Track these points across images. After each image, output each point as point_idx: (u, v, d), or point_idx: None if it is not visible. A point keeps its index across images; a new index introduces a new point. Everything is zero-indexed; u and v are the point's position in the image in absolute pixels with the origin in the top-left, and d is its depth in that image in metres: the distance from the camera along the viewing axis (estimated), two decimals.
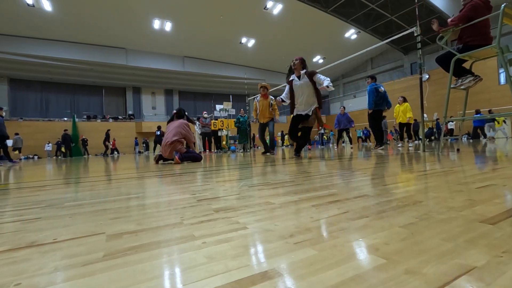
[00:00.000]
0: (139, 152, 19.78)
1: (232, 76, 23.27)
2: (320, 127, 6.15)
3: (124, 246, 0.53)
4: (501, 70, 14.53)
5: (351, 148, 7.57)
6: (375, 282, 0.35)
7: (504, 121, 12.51)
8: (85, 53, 18.07)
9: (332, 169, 1.94)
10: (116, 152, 17.65)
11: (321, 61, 22.66)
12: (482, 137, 10.65)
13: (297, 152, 3.90)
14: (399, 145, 6.87)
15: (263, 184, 1.32)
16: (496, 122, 12.42)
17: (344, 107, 8.06)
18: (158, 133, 13.44)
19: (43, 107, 19.68)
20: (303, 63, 3.80)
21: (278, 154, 5.27)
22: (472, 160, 2.09)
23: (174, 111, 4.41)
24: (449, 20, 3.20)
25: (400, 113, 6.43)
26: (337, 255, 0.44)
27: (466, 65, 3.36)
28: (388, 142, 11.24)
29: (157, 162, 3.93)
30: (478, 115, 9.72)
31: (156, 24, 16.57)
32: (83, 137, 17.46)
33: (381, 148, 5.37)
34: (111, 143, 17.21)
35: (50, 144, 17.14)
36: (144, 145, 19.99)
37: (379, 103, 5.55)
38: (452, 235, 0.51)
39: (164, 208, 0.86)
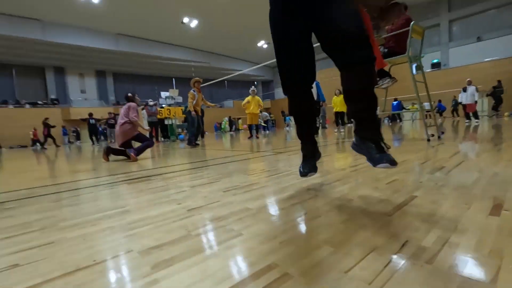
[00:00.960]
0: (70, 142, 17.61)
1: (174, 57, 21.99)
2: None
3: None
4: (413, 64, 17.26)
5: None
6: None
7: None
8: None
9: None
10: (38, 144, 15.24)
11: (265, 46, 23.10)
12: (398, 120, 12.79)
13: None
14: (335, 130, 7.84)
15: (235, 187, 1.57)
16: (411, 106, 14.89)
17: None
18: (92, 121, 12.19)
19: None
20: None
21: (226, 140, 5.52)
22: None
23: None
24: (387, 27, 3.80)
25: (338, 103, 7.30)
26: (308, 248, 0.73)
27: (386, 67, 4.09)
28: (327, 126, 12.53)
29: (107, 157, 3.75)
30: (395, 103, 11.58)
31: None
32: None
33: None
34: (36, 133, 14.82)
35: None
36: (75, 134, 17.83)
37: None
38: (368, 226, 0.86)
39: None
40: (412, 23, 3.45)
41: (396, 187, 1.30)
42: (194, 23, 18.84)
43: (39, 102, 18.54)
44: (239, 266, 0.67)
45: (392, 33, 3.66)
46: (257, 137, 7.12)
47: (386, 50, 3.81)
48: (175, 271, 0.66)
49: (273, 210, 1.09)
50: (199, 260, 0.71)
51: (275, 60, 1.20)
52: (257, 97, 7.10)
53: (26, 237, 0.97)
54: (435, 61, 17.62)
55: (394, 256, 0.66)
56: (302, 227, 0.89)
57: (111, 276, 0.66)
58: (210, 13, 17.46)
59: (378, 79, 4.01)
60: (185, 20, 18.34)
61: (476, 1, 16.31)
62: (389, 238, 0.76)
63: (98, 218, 1.14)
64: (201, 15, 17.85)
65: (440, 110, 14.13)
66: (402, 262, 0.63)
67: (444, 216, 0.89)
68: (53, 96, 19.55)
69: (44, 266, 0.74)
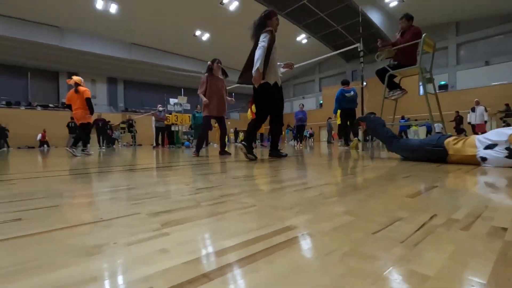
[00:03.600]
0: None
1: (184, 68, 22.45)
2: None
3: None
4: (420, 83, 17.34)
5: (301, 146, 8.22)
6: (358, 234, 0.60)
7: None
8: (7, 27, 15.31)
9: (297, 164, 2.25)
10: (46, 146, 15.43)
11: None
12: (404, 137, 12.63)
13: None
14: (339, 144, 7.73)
15: (248, 176, 1.52)
16: (414, 125, 14.78)
17: (303, 104, 8.81)
18: (100, 124, 12.38)
19: None
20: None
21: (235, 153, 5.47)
22: (397, 158, 2.64)
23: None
24: (393, 40, 3.81)
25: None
26: (327, 215, 0.69)
27: (397, 79, 4.08)
28: (333, 140, 12.46)
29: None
30: (403, 121, 11.50)
31: (99, 4, 14.99)
32: (2, 125, 14.70)
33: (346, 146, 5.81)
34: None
35: None
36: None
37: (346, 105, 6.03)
38: (389, 203, 0.81)
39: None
40: (424, 34, 3.46)
41: (413, 180, 1.24)
42: (206, 36, 19.40)
43: (50, 105, 18.93)
44: (255, 226, 0.62)
45: (401, 46, 3.64)
46: (264, 145, 6.87)
47: (395, 62, 3.80)
48: (185, 228, 0.62)
49: (287, 190, 1.04)
50: (210, 221, 0.67)
51: None
52: None
53: (32, 202, 0.94)
54: (442, 82, 17.67)
55: (425, 224, 0.61)
56: (319, 201, 0.84)
57: (118, 229, 0.62)
58: (221, 26, 17.99)
59: (388, 90, 3.99)
60: (197, 33, 18.92)
61: (482, 27, 16.52)
62: (415, 212, 0.71)
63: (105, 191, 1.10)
64: (213, 28, 18.40)
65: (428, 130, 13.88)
66: (435, 228, 0.58)
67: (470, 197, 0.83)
68: (64, 100, 19.96)
69: (48, 221, 0.70)
